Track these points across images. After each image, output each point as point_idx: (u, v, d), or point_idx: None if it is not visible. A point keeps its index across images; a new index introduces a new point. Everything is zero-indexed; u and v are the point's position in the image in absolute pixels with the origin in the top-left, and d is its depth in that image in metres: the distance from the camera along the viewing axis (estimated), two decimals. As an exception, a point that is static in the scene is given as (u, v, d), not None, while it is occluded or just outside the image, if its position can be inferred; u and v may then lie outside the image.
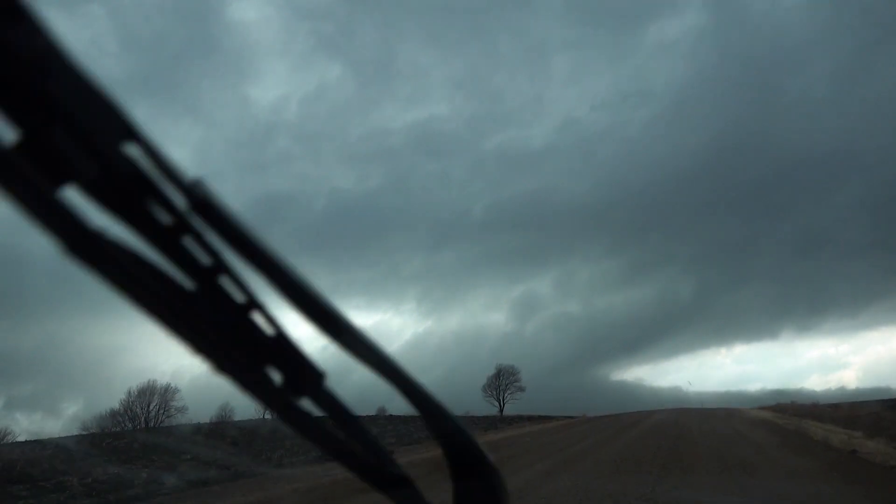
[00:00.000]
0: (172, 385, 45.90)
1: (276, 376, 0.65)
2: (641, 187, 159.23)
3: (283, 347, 0.65)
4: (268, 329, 0.63)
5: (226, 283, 0.60)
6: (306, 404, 0.68)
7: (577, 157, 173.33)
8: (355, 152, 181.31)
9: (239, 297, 0.61)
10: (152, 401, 44.46)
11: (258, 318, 0.63)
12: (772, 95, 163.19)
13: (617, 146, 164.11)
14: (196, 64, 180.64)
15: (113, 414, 41.69)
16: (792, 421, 22.49)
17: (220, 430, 28.12)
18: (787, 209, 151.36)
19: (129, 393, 43.69)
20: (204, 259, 0.58)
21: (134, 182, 0.54)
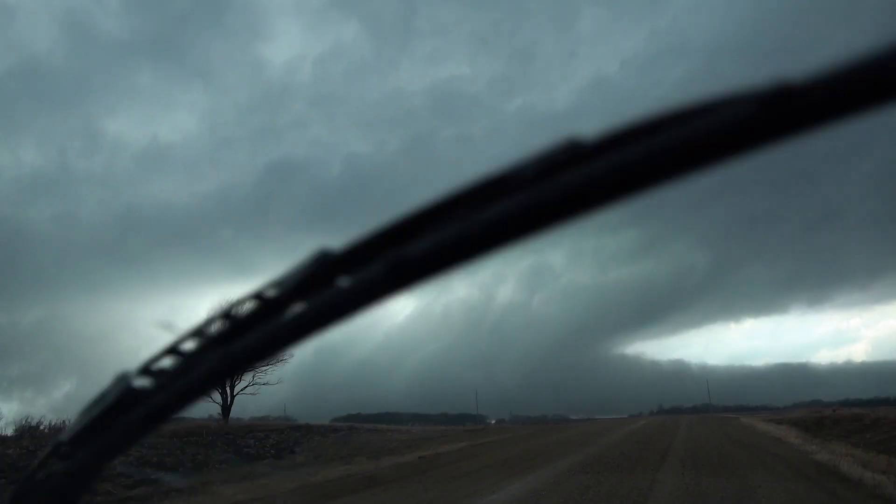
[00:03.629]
0: None
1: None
2: None
3: None
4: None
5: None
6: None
7: (602, 119, 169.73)
8: (372, 116, 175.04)
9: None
10: None
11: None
12: (812, 47, 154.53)
13: (644, 109, 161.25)
14: (205, 23, 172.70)
15: None
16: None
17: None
18: (810, 178, 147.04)
19: None
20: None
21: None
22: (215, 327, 0.66)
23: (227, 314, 0.66)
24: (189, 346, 0.67)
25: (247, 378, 32.72)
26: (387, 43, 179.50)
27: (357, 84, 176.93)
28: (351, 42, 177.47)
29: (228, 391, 32.70)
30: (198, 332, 0.67)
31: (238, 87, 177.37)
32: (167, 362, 0.68)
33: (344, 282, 0.59)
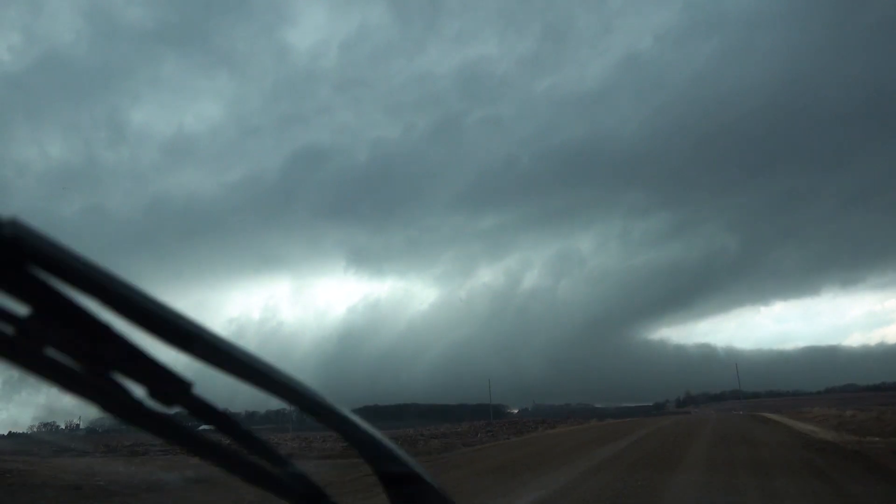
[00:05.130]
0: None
1: (134, 387, 0.64)
2: (699, 133, 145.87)
3: (137, 358, 0.61)
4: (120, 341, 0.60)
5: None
6: (181, 415, 0.68)
7: (634, 98, 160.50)
8: (399, 100, 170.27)
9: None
10: None
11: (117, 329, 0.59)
12: (853, 15, 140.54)
13: (678, 85, 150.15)
14: (228, 9, 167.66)
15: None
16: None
17: None
18: (849, 154, 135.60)
19: None
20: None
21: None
22: None
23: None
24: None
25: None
26: (413, 23, 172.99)
27: (383, 67, 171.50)
28: (377, 24, 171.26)
29: None
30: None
31: (263, 74, 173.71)
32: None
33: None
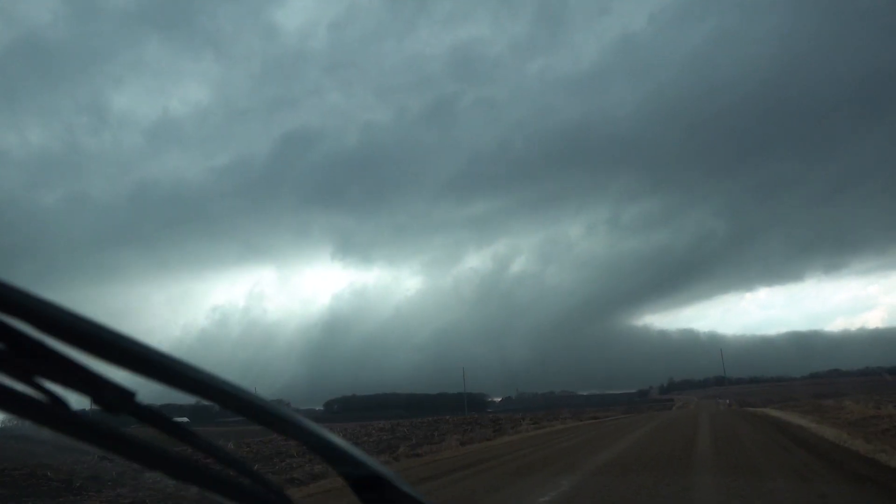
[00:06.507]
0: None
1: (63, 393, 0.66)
2: (691, 117, 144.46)
3: (72, 369, 0.65)
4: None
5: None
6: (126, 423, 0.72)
7: (627, 80, 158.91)
8: (390, 82, 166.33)
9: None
10: None
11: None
12: (847, 2, 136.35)
13: (672, 68, 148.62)
14: None
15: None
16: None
17: None
18: (836, 141, 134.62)
19: None
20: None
21: None
22: None
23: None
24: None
25: None
26: (404, 3, 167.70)
27: (374, 48, 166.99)
28: (366, 4, 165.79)
29: None
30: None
31: (250, 56, 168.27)
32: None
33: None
